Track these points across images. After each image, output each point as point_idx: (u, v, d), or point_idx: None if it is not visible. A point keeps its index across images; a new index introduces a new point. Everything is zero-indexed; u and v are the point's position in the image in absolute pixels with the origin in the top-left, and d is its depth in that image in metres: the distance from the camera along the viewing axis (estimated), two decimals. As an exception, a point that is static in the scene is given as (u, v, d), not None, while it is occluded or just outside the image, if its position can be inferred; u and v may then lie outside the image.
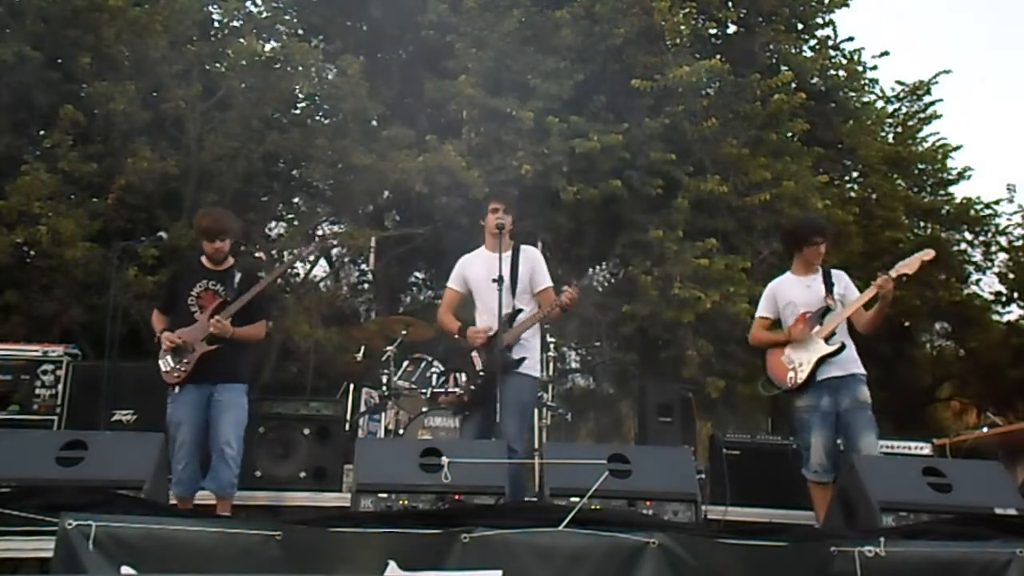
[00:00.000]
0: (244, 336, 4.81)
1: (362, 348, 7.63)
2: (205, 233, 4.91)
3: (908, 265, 4.82)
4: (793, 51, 10.31)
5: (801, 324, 4.93)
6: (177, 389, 4.71)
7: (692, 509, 3.76)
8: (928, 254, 4.91)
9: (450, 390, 5.46)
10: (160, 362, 4.76)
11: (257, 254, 9.04)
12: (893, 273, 4.74)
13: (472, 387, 4.61)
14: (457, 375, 4.88)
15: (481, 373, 4.59)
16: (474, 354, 4.66)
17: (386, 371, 6.60)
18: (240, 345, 4.82)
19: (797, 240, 5.10)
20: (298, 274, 10.02)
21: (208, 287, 4.85)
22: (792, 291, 5.07)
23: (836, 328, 4.84)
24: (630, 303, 8.91)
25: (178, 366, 4.70)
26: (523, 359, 4.55)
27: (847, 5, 10.44)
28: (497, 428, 4.28)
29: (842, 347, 4.81)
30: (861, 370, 4.88)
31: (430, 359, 6.75)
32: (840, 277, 5.03)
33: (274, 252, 9.21)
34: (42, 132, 8.52)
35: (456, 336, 4.80)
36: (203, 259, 4.96)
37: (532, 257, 4.84)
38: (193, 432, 4.66)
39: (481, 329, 4.64)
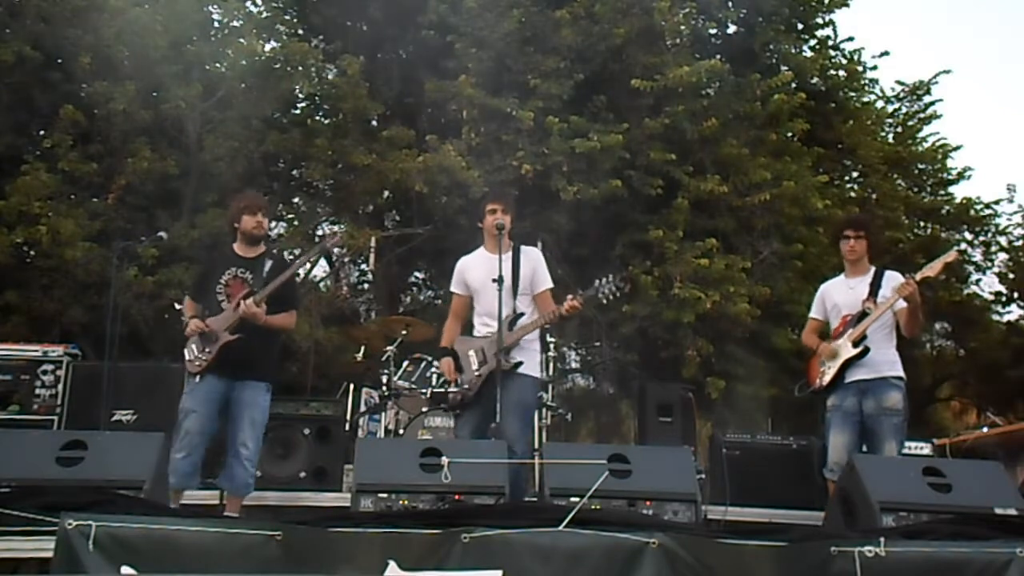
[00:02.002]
0: (275, 324, 4.70)
1: (362, 348, 7.63)
2: (246, 209, 4.79)
3: (932, 268, 4.80)
4: (793, 51, 10.31)
5: (841, 328, 4.94)
6: (198, 379, 4.59)
7: (692, 509, 3.75)
8: (951, 256, 4.94)
9: (450, 390, 5.47)
10: (185, 350, 4.67)
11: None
12: (917, 276, 4.71)
13: (466, 386, 4.60)
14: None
15: (477, 373, 4.59)
16: (471, 353, 4.65)
17: (386, 371, 6.60)
18: (267, 339, 4.72)
19: (834, 236, 5.12)
20: (298, 274, 10.02)
21: (236, 275, 4.72)
22: (837, 293, 5.08)
23: (866, 331, 4.81)
24: (630, 303, 8.92)
25: (200, 355, 4.59)
26: (520, 362, 4.54)
27: (847, 5, 10.45)
28: (496, 428, 4.28)
29: (865, 351, 4.78)
30: (896, 373, 4.83)
31: (430, 359, 6.74)
32: (891, 278, 4.92)
33: (274, 252, 9.21)
34: (42, 132, 8.53)
35: (442, 347, 4.83)
36: (235, 246, 4.84)
37: (533, 258, 4.81)
38: (201, 423, 4.53)
39: (449, 369, 4.70)
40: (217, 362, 4.58)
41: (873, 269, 5.02)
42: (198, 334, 4.63)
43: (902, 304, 4.78)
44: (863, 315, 4.87)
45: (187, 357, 4.66)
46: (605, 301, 4.64)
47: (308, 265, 8.81)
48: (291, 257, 5.00)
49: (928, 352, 12.78)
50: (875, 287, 4.92)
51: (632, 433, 8.53)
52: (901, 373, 4.86)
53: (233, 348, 4.58)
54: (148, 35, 8.19)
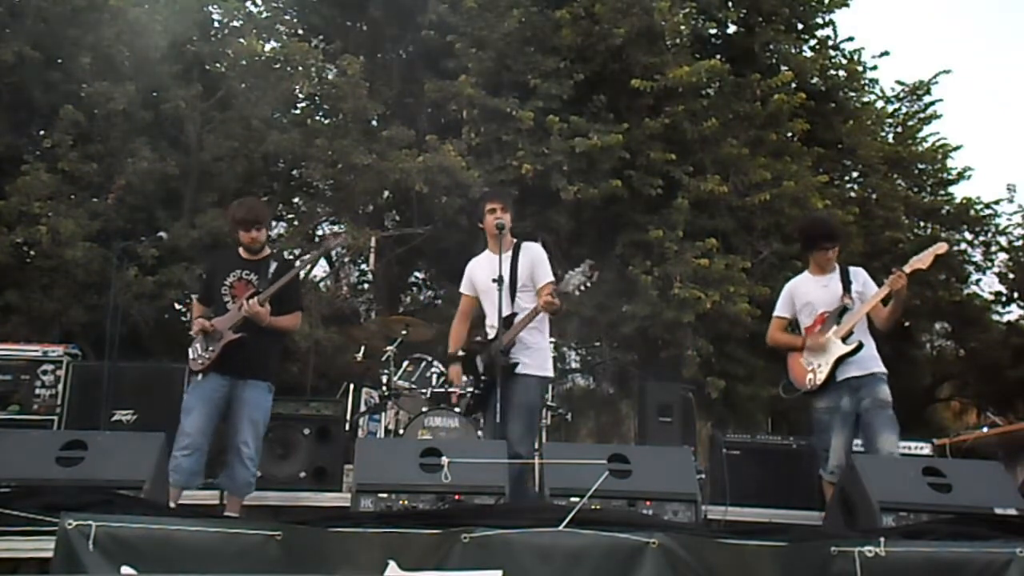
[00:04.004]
0: (279, 325, 4.74)
1: (362, 348, 7.63)
2: (241, 223, 4.80)
3: (922, 260, 4.77)
4: (793, 51, 10.31)
5: (819, 326, 4.91)
6: (200, 377, 4.63)
7: (692, 509, 3.75)
8: (941, 247, 4.86)
9: (450, 390, 5.47)
10: (189, 349, 4.71)
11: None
12: (907, 269, 4.70)
13: (474, 390, 4.63)
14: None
15: (484, 378, 4.61)
16: (478, 357, 4.69)
17: (386, 371, 6.59)
18: (270, 339, 4.75)
19: (808, 243, 5.08)
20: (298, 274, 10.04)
21: (241, 276, 4.76)
22: (809, 291, 5.03)
23: (854, 327, 4.79)
24: (630, 303, 8.92)
25: (204, 354, 4.62)
26: (516, 363, 4.53)
27: (847, 5, 10.45)
28: (501, 429, 4.30)
29: (860, 346, 4.76)
30: (881, 369, 4.83)
31: (430, 359, 6.74)
32: (858, 274, 4.95)
33: (274, 252, 9.22)
34: (42, 132, 8.53)
35: (451, 353, 4.87)
36: (240, 249, 4.87)
37: (533, 253, 4.75)
38: (202, 422, 4.54)
39: (457, 376, 4.82)
40: (220, 360, 4.61)
41: (838, 266, 5.02)
42: (203, 333, 4.67)
43: (878, 299, 4.79)
44: (843, 311, 4.86)
45: (191, 356, 4.70)
46: (576, 293, 4.58)
47: (311, 265, 8.83)
48: (290, 258, 4.99)
49: (928, 352, 12.79)
50: (846, 283, 4.91)
51: (632, 433, 8.53)
52: (884, 369, 4.86)
53: (236, 347, 4.60)
54: (148, 35, 8.19)
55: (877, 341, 4.97)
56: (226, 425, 4.69)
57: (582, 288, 4.49)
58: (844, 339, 4.81)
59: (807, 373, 4.93)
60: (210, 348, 4.62)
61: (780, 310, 5.17)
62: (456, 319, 4.95)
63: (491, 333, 4.68)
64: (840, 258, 5.07)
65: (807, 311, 5.01)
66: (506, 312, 4.53)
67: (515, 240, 4.77)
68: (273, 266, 4.80)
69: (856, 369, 4.80)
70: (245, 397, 4.64)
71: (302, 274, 9.80)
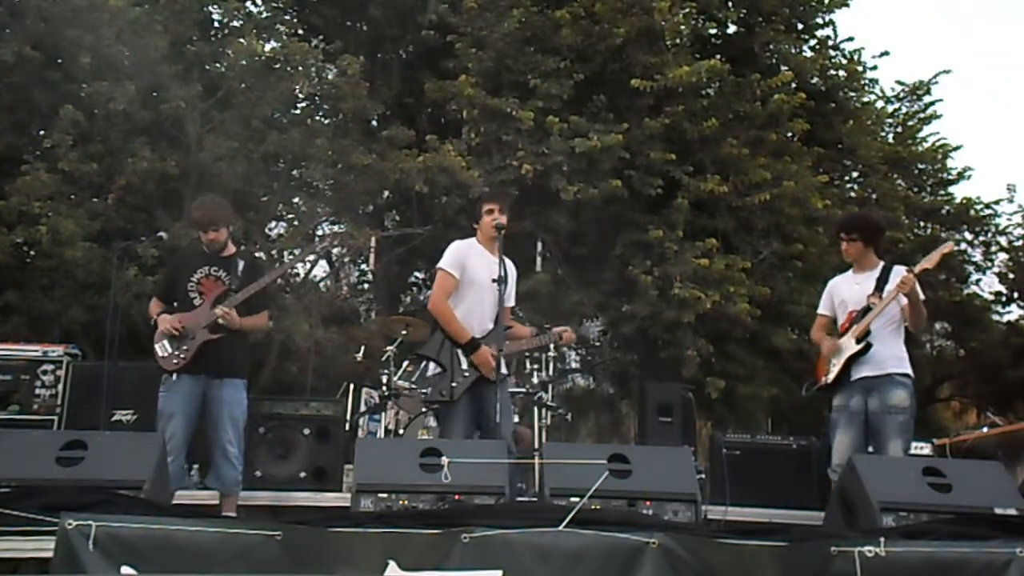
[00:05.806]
0: (250, 327, 4.77)
1: (362, 348, 7.63)
2: (198, 224, 4.87)
3: (930, 260, 4.80)
4: (793, 51, 10.31)
5: (848, 324, 4.94)
6: (174, 376, 4.60)
7: (692, 509, 3.75)
8: (948, 247, 4.94)
9: (423, 390, 5.30)
10: (156, 346, 4.65)
11: (257, 254, 9.04)
12: (916, 269, 4.73)
13: (455, 384, 4.59)
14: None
15: (466, 374, 4.59)
16: (460, 352, 4.63)
17: (386, 371, 6.60)
18: (242, 338, 4.76)
19: (835, 237, 5.15)
20: (298, 274, 10.03)
21: (210, 273, 4.76)
22: (844, 289, 5.08)
23: (869, 326, 4.80)
24: (630, 303, 8.92)
25: (177, 352, 4.59)
26: (508, 374, 4.60)
27: (847, 5, 10.45)
28: (496, 429, 4.30)
29: (867, 347, 4.77)
30: (901, 370, 4.80)
31: (430, 359, 6.73)
32: (899, 273, 4.86)
33: (274, 252, 9.21)
34: (42, 132, 8.51)
35: (462, 342, 4.56)
36: (205, 246, 4.89)
37: (513, 272, 4.88)
38: (184, 424, 4.56)
39: (490, 361, 4.47)
40: (195, 361, 4.60)
41: (881, 264, 5.00)
42: (170, 332, 4.62)
43: (889, 300, 4.79)
44: (867, 310, 4.86)
45: (160, 354, 4.64)
46: (597, 344, 4.74)
47: (291, 270, 8.83)
48: (271, 266, 4.99)
49: (928, 352, 12.79)
50: (882, 282, 4.90)
51: (632, 433, 8.54)
52: (907, 370, 4.82)
53: (210, 346, 4.61)
54: (148, 35, 8.18)
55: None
56: (206, 424, 4.68)
57: (600, 339, 4.69)
58: (860, 339, 4.81)
59: (825, 371, 4.97)
60: (184, 347, 4.60)
61: (821, 308, 5.25)
62: (443, 298, 4.67)
63: (474, 329, 4.62)
64: (840, 259, 5.10)
65: (841, 309, 5.06)
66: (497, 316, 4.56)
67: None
68: (241, 264, 4.79)
69: (870, 369, 4.80)
70: (224, 396, 4.64)
71: (302, 274, 9.88)
